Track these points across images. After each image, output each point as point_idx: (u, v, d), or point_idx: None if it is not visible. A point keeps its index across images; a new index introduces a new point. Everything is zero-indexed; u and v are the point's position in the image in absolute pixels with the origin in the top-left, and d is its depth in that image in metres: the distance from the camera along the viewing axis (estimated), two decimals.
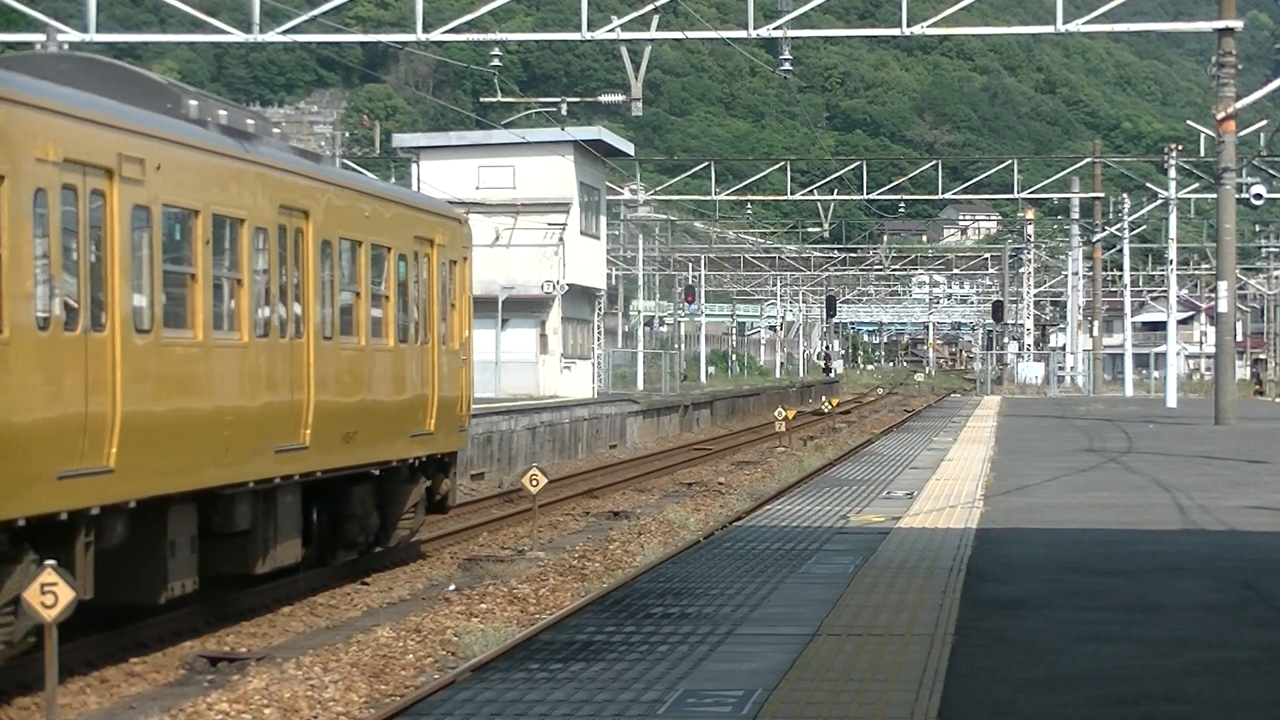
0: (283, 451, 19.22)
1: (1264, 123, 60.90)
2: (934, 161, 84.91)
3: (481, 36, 46.18)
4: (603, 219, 66.47)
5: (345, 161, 59.69)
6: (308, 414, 19.83)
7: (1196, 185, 74.51)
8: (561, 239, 58.59)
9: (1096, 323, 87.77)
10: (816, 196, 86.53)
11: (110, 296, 15.59)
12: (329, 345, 20.59)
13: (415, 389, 23.66)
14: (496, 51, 47.46)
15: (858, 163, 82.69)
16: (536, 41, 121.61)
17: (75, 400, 14.95)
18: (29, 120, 14.41)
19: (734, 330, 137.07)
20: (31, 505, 14.32)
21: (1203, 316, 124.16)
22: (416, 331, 23.82)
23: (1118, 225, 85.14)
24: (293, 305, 19.73)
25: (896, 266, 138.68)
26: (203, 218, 17.50)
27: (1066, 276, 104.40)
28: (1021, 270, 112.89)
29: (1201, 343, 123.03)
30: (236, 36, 41.66)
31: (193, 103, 18.46)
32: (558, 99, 59.67)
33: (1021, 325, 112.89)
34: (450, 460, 25.55)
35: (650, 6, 42.24)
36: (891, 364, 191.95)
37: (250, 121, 19.63)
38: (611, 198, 74.79)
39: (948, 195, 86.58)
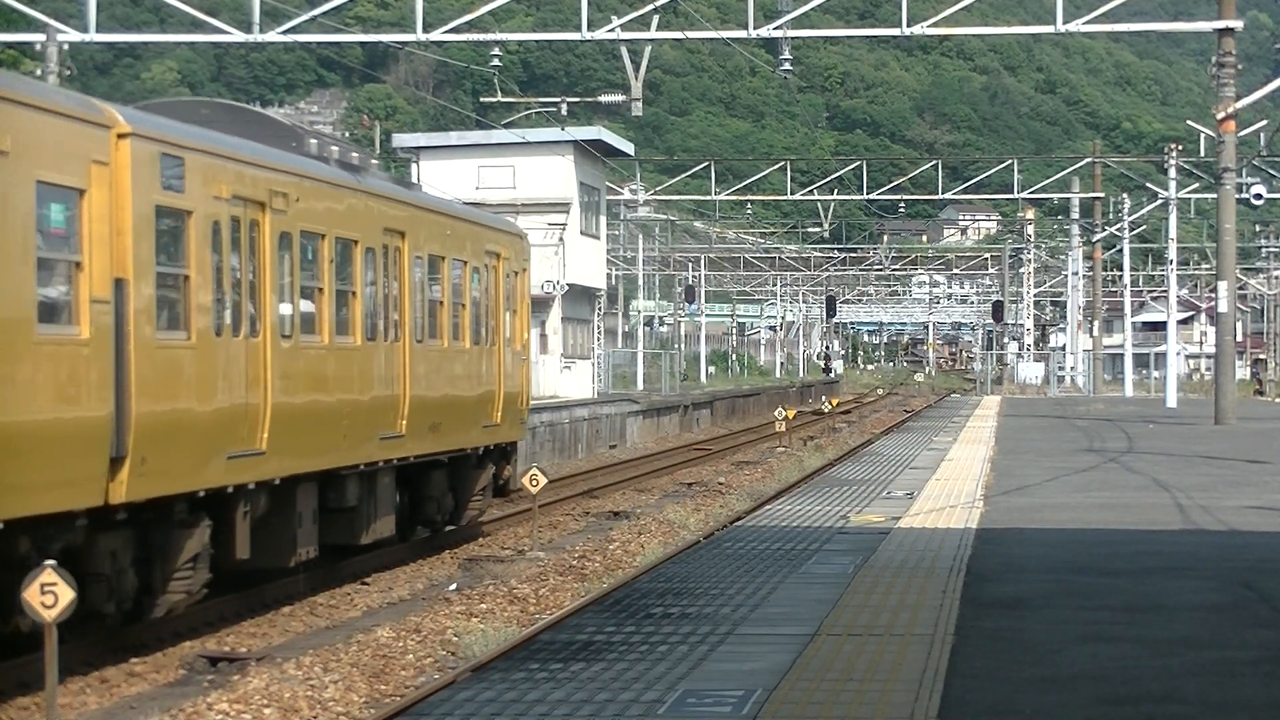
0: (384, 439, 22.47)
1: (1264, 123, 60.89)
2: (934, 161, 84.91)
3: (481, 36, 46.17)
4: (603, 219, 66.48)
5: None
6: (404, 407, 23.14)
7: (1196, 185, 74.50)
8: (561, 239, 58.59)
9: (1096, 323, 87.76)
10: (816, 196, 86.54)
11: (263, 307, 18.95)
12: (420, 347, 23.92)
13: (486, 385, 27.02)
14: (496, 51, 47.45)
15: (858, 163, 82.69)
16: (536, 41, 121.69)
17: (240, 393, 18.28)
18: (213, 166, 17.83)
19: (734, 330, 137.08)
20: (209, 480, 17.66)
21: (1203, 316, 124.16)
22: (487, 334, 27.17)
23: (1118, 225, 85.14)
24: (392, 312, 22.99)
25: (896, 266, 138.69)
26: (328, 240, 20.84)
27: (1066, 276, 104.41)
28: (1021, 270, 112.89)
29: (1201, 343, 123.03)
30: (236, 36, 41.66)
31: (312, 141, 21.79)
32: (558, 99, 59.66)
33: (1021, 325, 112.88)
34: (512, 449, 28.83)
35: (650, 6, 42.23)
36: (891, 364, 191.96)
37: (355, 155, 22.80)
38: (611, 198, 74.80)
39: (948, 195, 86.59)
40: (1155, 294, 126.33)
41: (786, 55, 47.51)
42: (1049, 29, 43.65)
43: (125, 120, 16.20)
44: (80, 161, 15.44)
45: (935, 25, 43.95)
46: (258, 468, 18.64)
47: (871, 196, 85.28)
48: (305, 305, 20.23)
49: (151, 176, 16.55)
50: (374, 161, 24.67)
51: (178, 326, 17.14)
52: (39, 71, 39.19)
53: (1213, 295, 63.10)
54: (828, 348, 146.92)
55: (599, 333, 67.32)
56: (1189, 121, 71.83)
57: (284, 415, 19.11)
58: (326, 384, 20.67)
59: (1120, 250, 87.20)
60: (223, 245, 17.96)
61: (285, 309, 19.55)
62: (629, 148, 66.30)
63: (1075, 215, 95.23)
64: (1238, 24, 45.48)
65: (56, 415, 14.95)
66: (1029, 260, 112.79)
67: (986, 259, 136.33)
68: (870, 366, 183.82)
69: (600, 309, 67.83)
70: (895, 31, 42.27)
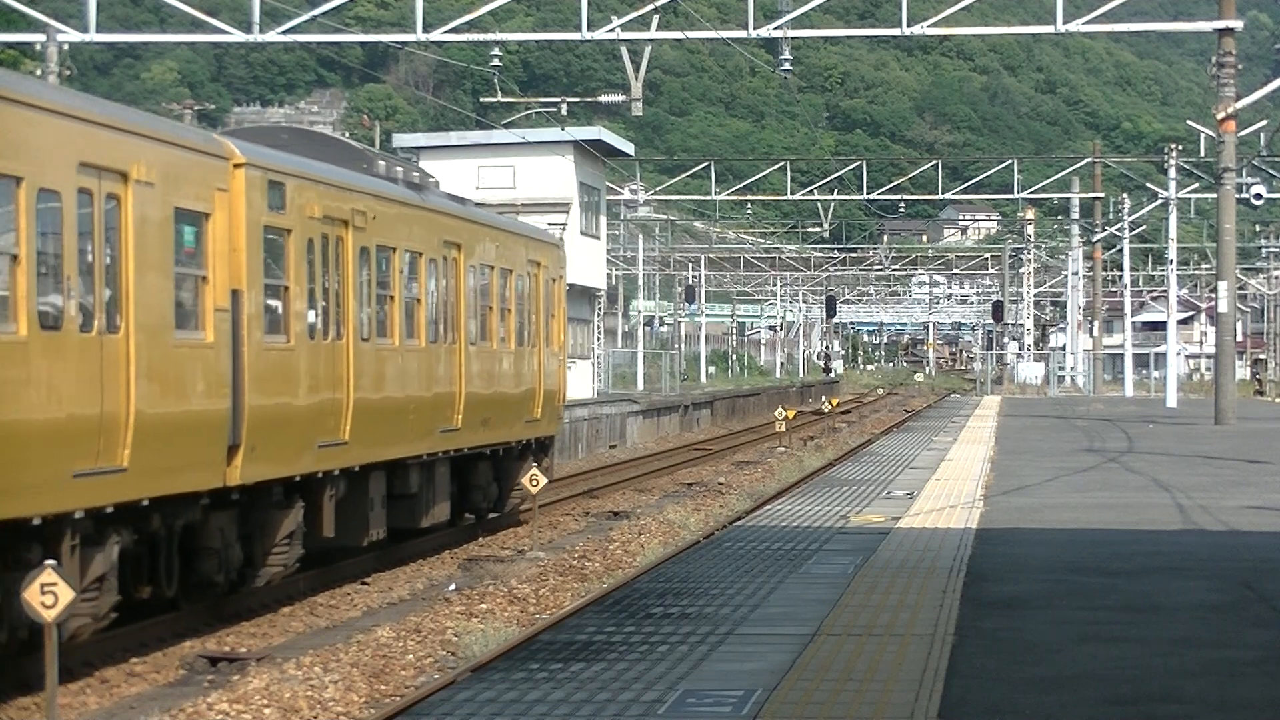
0: (443, 432, 24.94)
1: (1264, 123, 60.90)
2: (934, 161, 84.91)
3: (481, 36, 46.16)
4: (603, 219, 66.45)
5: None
6: (460, 402, 25.61)
7: (1196, 185, 74.50)
8: (561, 239, 58.54)
9: (1096, 323, 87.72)
10: (816, 196, 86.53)
11: (346, 313, 21.40)
12: (474, 349, 26.42)
13: (528, 383, 29.58)
14: (496, 51, 47.43)
15: (858, 163, 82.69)
16: (536, 41, 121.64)
17: (328, 390, 20.71)
18: (307, 190, 20.26)
19: (734, 330, 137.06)
20: (303, 466, 20.06)
21: (1203, 316, 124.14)
22: (529, 336, 29.75)
23: (1118, 225, 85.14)
24: (451, 317, 25.53)
25: (896, 266, 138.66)
26: (398, 253, 23.36)
27: (1066, 276, 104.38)
28: (1021, 270, 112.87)
29: (1201, 343, 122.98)
30: (236, 36, 41.65)
31: (381, 163, 24.18)
32: (558, 99, 59.62)
33: (1021, 325, 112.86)
34: (549, 442, 31.54)
35: (650, 6, 42.22)
36: (891, 364, 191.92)
37: (416, 174, 25.31)
38: (611, 198, 74.77)
39: (948, 195, 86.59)
40: (1155, 294, 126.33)
41: (786, 55, 47.50)
42: (1049, 29, 43.62)
43: (240, 152, 18.62)
44: (207, 189, 17.90)
45: (935, 25, 43.94)
46: (341, 456, 21.16)
47: (871, 196, 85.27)
48: (380, 311, 22.80)
49: (260, 200, 18.99)
50: (434, 180, 26.70)
51: (279, 331, 19.63)
52: (39, 71, 39.21)
53: (1213, 295, 63.10)
54: (828, 348, 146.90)
55: (599, 333, 67.30)
56: (1189, 121, 71.82)
57: (363, 410, 21.60)
58: (397, 382, 23.18)
59: (1120, 250, 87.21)
60: (315, 259, 20.50)
61: (363, 315, 22.09)
62: (629, 148, 66.28)
63: (1075, 215, 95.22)
64: (1238, 24, 45.47)
65: (190, 408, 17.33)
66: (1029, 260, 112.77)
67: (986, 259, 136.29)
68: (870, 366, 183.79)
69: (600, 309, 67.80)
70: (895, 31, 42.26)
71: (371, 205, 22.26)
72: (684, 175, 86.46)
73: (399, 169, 24.54)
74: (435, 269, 24.85)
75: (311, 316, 20.39)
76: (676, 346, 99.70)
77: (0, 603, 14.60)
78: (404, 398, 23.32)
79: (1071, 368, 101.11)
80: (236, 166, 18.48)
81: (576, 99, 64.83)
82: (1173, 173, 65.56)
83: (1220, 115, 45.57)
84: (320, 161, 21.47)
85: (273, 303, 19.42)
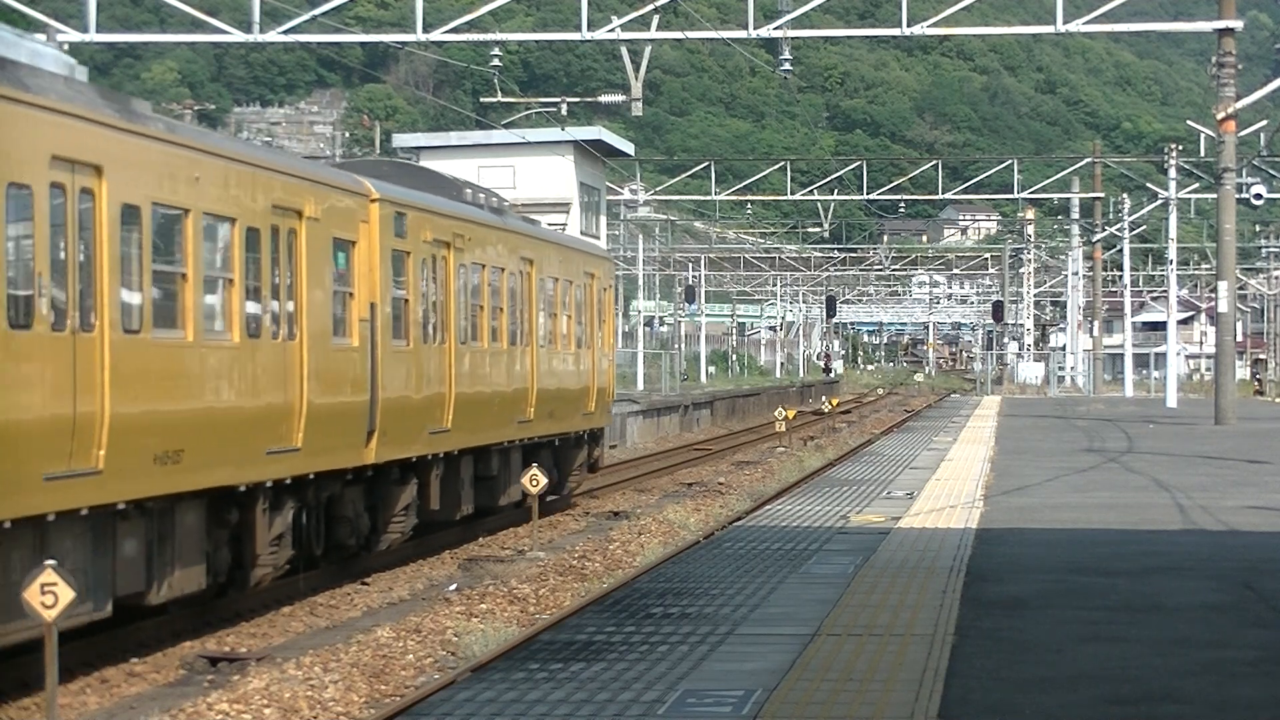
0: (519, 423, 28.76)
1: (1264, 123, 60.88)
2: (934, 161, 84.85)
3: (481, 36, 46.15)
4: (603, 219, 66.41)
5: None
6: (532, 396, 29.51)
7: (1196, 185, 74.46)
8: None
9: (1096, 323, 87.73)
10: (816, 196, 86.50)
11: (449, 321, 25.28)
12: (543, 350, 30.48)
13: (584, 380, 33.52)
14: (496, 51, 47.41)
15: (858, 163, 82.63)
16: (536, 41, 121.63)
17: (436, 386, 24.61)
18: (422, 218, 24.30)
19: (734, 330, 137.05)
20: (419, 449, 23.95)
21: (1203, 316, 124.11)
22: (586, 339, 33.74)
23: (1118, 225, 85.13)
24: (526, 323, 29.41)
25: (896, 266, 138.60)
26: (488, 269, 27.24)
27: (1066, 276, 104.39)
28: (1021, 270, 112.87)
29: (1201, 343, 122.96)
30: (236, 36, 41.64)
31: (468, 190, 28.03)
32: (558, 99, 59.60)
33: (1021, 325, 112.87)
34: (600, 433, 35.25)
35: (650, 6, 42.22)
36: (891, 364, 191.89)
37: (495, 200, 29.14)
38: (611, 198, 74.75)
39: (948, 195, 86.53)
40: (1155, 294, 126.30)
41: (786, 55, 47.47)
42: (1049, 29, 43.60)
43: (375, 189, 22.68)
44: (353, 221, 21.90)
45: (935, 25, 43.93)
46: (445, 441, 25.00)
47: (871, 196, 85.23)
48: (473, 319, 26.61)
49: (389, 229, 22.97)
50: (507, 203, 30.42)
51: (402, 336, 23.43)
52: None
53: (1213, 295, 63.09)
54: (828, 348, 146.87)
55: None
56: (1189, 121, 71.79)
57: (461, 403, 25.45)
58: (486, 379, 27.08)
59: (1120, 250, 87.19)
60: (427, 275, 24.42)
61: (463, 321, 26.01)
62: (629, 148, 66.22)
63: (1075, 215, 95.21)
64: (1238, 24, 45.46)
65: (343, 400, 21.26)
66: (1029, 260, 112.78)
67: (986, 259, 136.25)
68: (870, 366, 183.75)
69: None
70: (895, 31, 42.25)
71: (466, 229, 26.29)
72: (684, 175, 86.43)
73: (481, 195, 28.45)
74: (516, 282, 28.87)
75: (425, 324, 24.31)
76: (676, 346, 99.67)
77: (210, 553, 18.18)
78: (491, 393, 27.33)
79: (1071, 368, 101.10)
80: (373, 201, 22.47)
81: (576, 99, 64.80)
82: (1173, 173, 65.54)
83: (1220, 115, 45.56)
84: (419, 191, 25.24)
85: (397, 313, 23.31)
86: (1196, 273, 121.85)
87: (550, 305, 31.09)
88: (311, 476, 20.34)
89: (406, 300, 23.57)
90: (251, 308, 18.76)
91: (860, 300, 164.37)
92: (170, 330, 17.02)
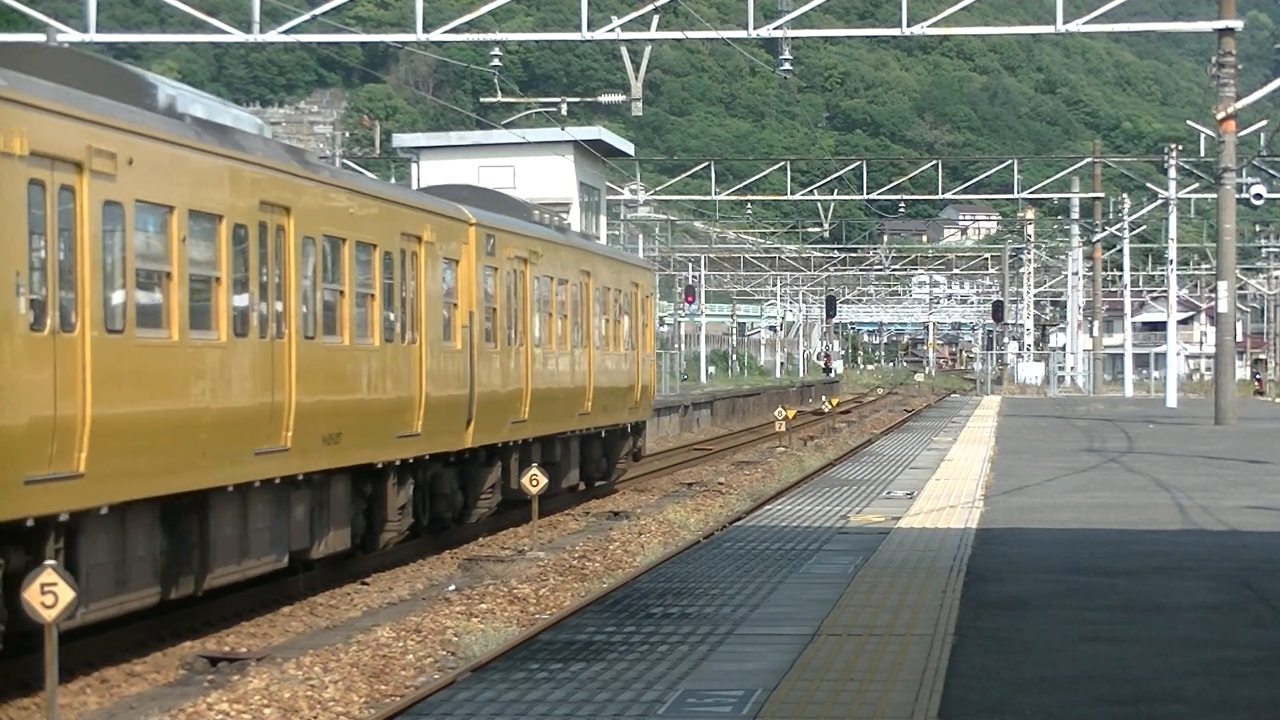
0: (579, 415, 32.60)
1: (1264, 123, 60.86)
2: (934, 161, 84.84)
3: (481, 36, 46.15)
4: (603, 219, 66.34)
5: (346, 162, 59.74)
6: (590, 392, 33.23)
7: (1196, 185, 74.45)
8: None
9: (1096, 323, 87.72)
10: (816, 196, 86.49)
11: (525, 324, 29.15)
12: (599, 351, 34.21)
13: (631, 378, 37.36)
14: (496, 51, 47.43)
15: (858, 163, 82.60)
16: (536, 41, 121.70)
17: (516, 382, 28.50)
18: (506, 238, 28.24)
19: (734, 330, 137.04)
20: (503, 436, 27.80)
21: (1203, 316, 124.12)
22: (633, 341, 37.77)
23: (1118, 225, 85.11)
24: (589, 329, 33.52)
25: (896, 266, 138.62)
26: (555, 281, 31.28)
27: (1066, 276, 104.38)
28: (1021, 270, 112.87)
29: (1201, 343, 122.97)
30: (236, 36, 41.63)
31: (535, 210, 32.60)
32: (558, 99, 59.61)
33: (1021, 325, 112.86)
34: (642, 425, 39.25)
35: (650, 6, 42.21)
36: (891, 364, 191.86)
37: (556, 219, 33.73)
38: (611, 198, 74.68)
39: (948, 195, 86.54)
40: (1155, 294, 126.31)
41: (786, 55, 47.47)
42: (1049, 29, 43.60)
43: (472, 215, 26.74)
44: (457, 242, 25.95)
45: (935, 25, 43.93)
46: (522, 430, 28.82)
47: (871, 196, 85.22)
48: (547, 324, 30.71)
49: (483, 248, 26.90)
50: (566, 222, 34.95)
51: (491, 340, 27.29)
52: None
53: (1213, 295, 63.08)
54: (828, 348, 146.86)
55: None
56: (1189, 121, 71.78)
57: (535, 397, 29.37)
58: (554, 376, 30.95)
59: (1120, 250, 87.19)
60: (509, 288, 28.29)
61: (538, 328, 29.92)
62: (629, 148, 66.15)
63: (1075, 215, 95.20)
64: (1238, 24, 45.45)
65: (450, 394, 25.12)
66: (1029, 260, 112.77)
67: (986, 259, 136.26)
68: (870, 366, 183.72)
69: None
70: (895, 31, 42.24)
71: (538, 245, 30.17)
72: (684, 175, 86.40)
73: (547, 215, 32.92)
74: (575, 291, 32.69)
75: (509, 329, 28.19)
76: (676, 346, 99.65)
77: (353, 519, 21.99)
78: (558, 388, 31.20)
79: (1071, 368, 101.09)
80: (470, 226, 26.51)
81: (576, 99, 64.81)
82: (1173, 173, 65.53)
83: (1220, 115, 45.56)
84: (498, 214, 28.91)
85: (488, 320, 27.09)
86: (1196, 273, 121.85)
87: (604, 311, 35.16)
88: (426, 458, 24.46)
89: (494, 309, 27.50)
90: (390, 321, 23.06)
91: (860, 300, 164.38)
92: (331, 337, 21.07)
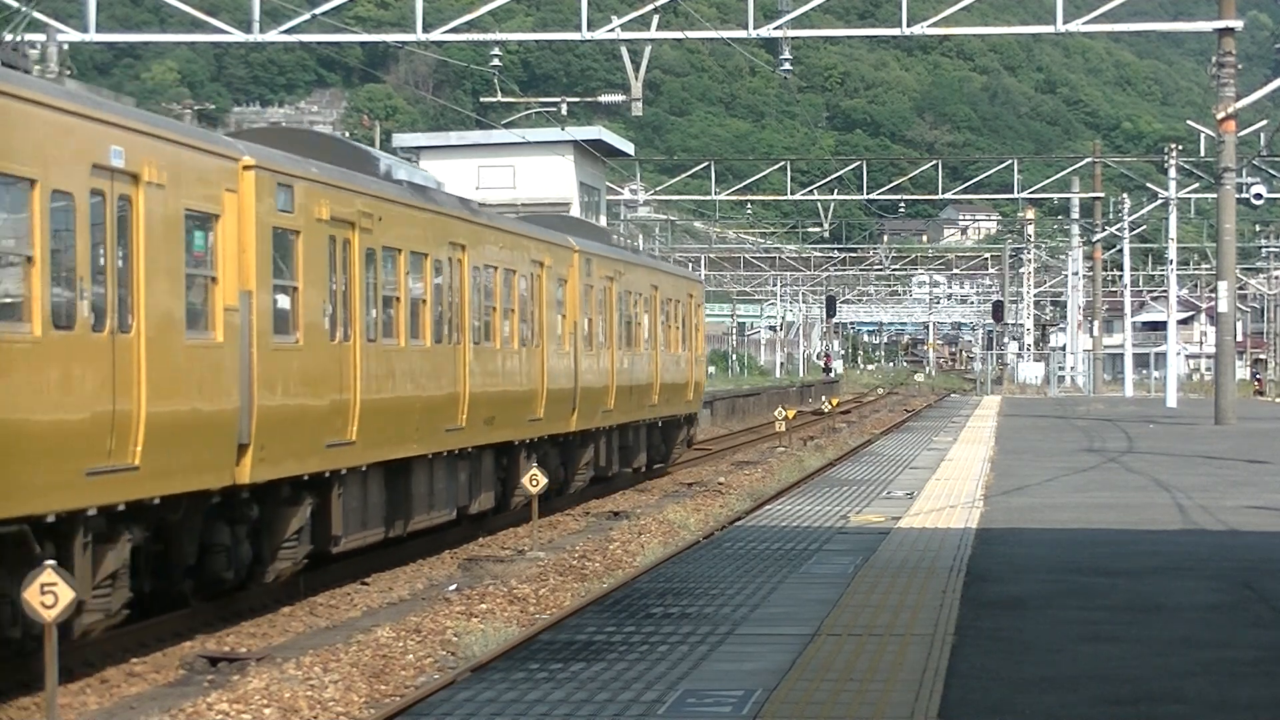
0: (648, 406, 38.33)
1: (1264, 123, 60.88)
2: (934, 161, 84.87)
3: (481, 36, 46.15)
4: (603, 219, 66.33)
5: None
6: (656, 386, 39.09)
7: (1196, 185, 74.46)
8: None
9: (1096, 323, 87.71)
10: (816, 196, 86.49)
11: (611, 331, 35.08)
12: (664, 353, 40.07)
13: (685, 376, 42.95)
14: (496, 51, 47.41)
15: (858, 163, 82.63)
16: (536, 41, 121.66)
17: (606, 378, 34.48)
18: (601, 261, 34.45)
19: (734, 330, 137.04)
20: (596, 423, 33.78)
21: (1203, 316, 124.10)
22: (686, 344, 43.23)
23: (1118, 225, 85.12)
24: (656, 334, 39.34)
25: (896, 266, 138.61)
26: (632, 294, 37.21)
27: (1066, 276, 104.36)
28: (1021, 270, 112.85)
29: (1201, 343, 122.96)
30: (236, 36, 41.64)
31: (613, 235, 39.47)
32: (558, 99, 59.58)
33: (1021, 325, 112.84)
34: (694, 417, 45.13)
35: (650, 6, 42.22)
36: (891, 364, 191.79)
37: (632, 240, 39.02)
38: (611, 198, 74.68)
39: (948, 195, 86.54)
40: (1155, 294, 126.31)
41: (786, 55, 47.47)
42: (1049, 29, 43.62)
43: (576, 244, 32.59)
44: (568, 267, 31.91)
45: (935, 25, 43.94)
46: (609, 418, 34.60)
47: (871, 196, 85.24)
48: (624, 327, 36.23)
49: (586, 270, 32.88)
50: (639, 242, 41.16)
51: (588, 343, 33.07)
52: (38, 70, 39.09)
53: (1213, 295, 63.09)
54: (828, 348, 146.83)
55: None
56: (1189, 121, 71.76)
57: (619, 391, 35.07)
58: (631, 374, 36.59)
59: (1120, 250, 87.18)
60: (601, 301, 34.29)
61: (620, 333, 35.75)
62: (629, 148, 66.20)
63: (1075, 215, 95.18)
64: (1238, 24, 45.46)
65: (563, 386, 31.13)
66: (1029, 260, 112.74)
67: (986, 259, 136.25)
68: (870, 366, 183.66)
69: None
70: (895, 31, 42.26)
71: (621, 266, 36.04)
72: (684, 175, 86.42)
73: (624, 238, 40.90)
74: (646, 303, 38.37)
75: (603, 334, 34.16)
76: None
77: (495, 485, 27.85)
78: (634, 384, 36.96)
79: (1071, 368, 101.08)
80: (575, 252, 32.41)
81: (576, 99, 64.79)
82: (1173, 173, 65.53)
83: (1220, 115, 45.56)
84: (590, 240, 34.24)
85: (589, 328, 33.13)
86: (1196, 273, 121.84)
87: (667, 318, 40.95)
88: (545, 438, 30.23)
89: (591, 319, 33.38)
90: (523, 330, 29.00)
91: (860, 300, 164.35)
92: (488, 342, 27.22)
